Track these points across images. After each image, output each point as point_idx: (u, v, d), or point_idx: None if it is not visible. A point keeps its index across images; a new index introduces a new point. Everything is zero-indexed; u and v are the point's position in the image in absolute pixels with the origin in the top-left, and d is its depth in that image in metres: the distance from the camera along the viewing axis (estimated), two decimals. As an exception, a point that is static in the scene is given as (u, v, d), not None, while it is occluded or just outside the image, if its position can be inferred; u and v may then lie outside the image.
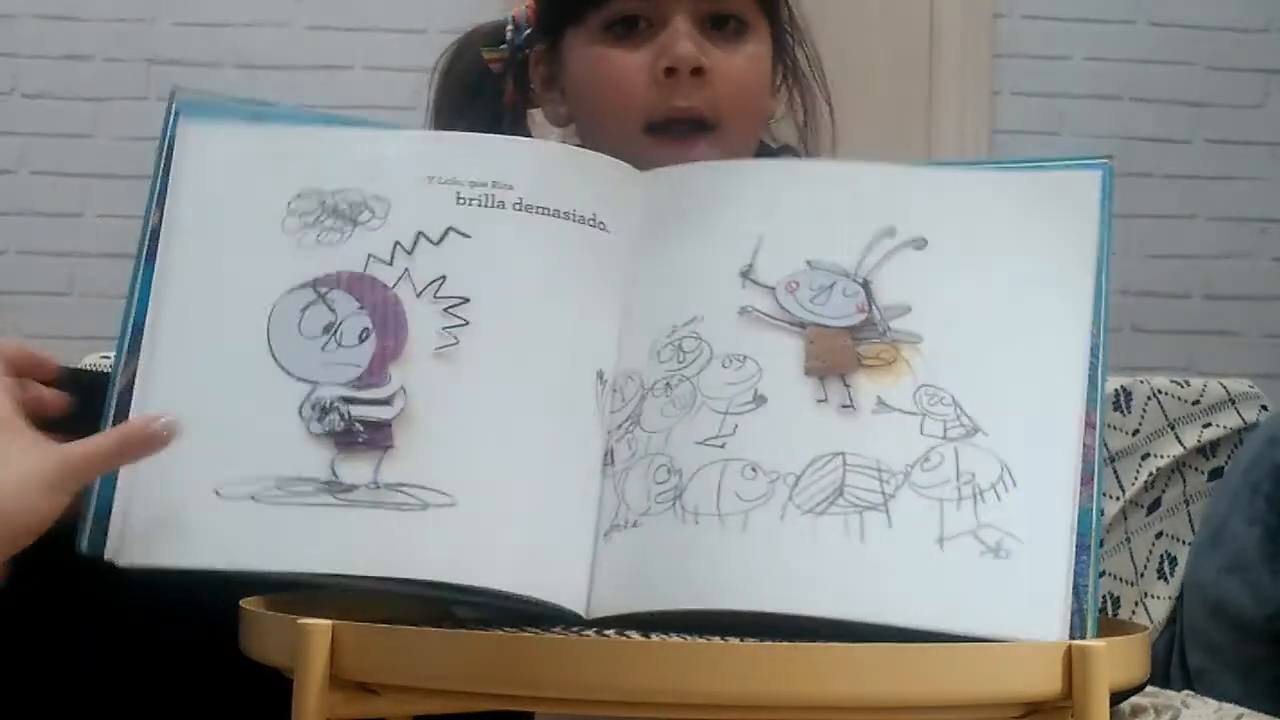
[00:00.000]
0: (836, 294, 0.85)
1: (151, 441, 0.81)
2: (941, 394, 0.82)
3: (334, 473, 0.83)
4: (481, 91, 1.24)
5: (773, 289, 0.86)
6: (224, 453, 0.84)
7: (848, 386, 0.83)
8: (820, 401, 0.82)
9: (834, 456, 0.81)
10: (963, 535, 0.79)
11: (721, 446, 0.82)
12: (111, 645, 0.96)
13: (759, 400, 0.83)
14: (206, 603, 0.81)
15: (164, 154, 0.90)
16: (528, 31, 1.21)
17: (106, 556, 0.81)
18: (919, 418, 0.82)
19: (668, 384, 0.85)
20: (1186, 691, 1.47)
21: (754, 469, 0.81)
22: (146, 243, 0.88)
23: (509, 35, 1.22)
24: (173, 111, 0.90)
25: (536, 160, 0.91)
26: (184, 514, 0.83)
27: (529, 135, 1.21)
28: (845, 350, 0.84)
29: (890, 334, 0.84)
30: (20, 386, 0.84)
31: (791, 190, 0.90)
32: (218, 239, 0.89)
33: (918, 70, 3.16)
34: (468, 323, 0.85)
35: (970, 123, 3.14)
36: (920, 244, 0.86)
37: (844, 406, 0.82)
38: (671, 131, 1.09)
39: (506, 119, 1.22)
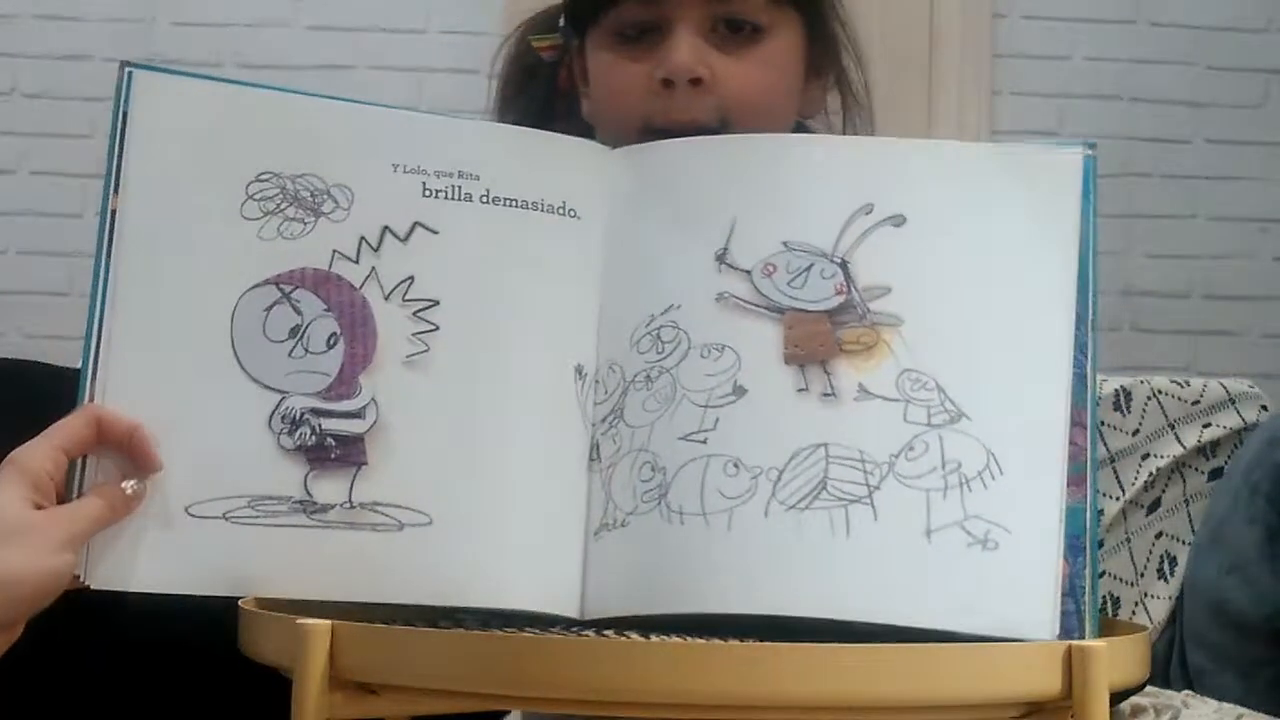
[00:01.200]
0: (814, 276, 0.83)
1: (131, 502, 0.80)
2: (924, 379, 0.80)
3: (307, 491, 0.81)
4: (536, 75, 1.23)
5: (749, 272, 0.84)
6: (193, 468, 0.81)
7: (828, 374, 0.81)
8: (801, 390, 0.81)
9: (816, 448, 0.79)
10: (950, 527, 0.77)
11: (703, 442, 0.80)
12: (111, 644, 0.96)
13: (739, 391, 0.81)
14: (206, 602, 0.81)
15: (119, 130, 0.85)
16: None
17: (79, 576, 0.80)
18: (902, 404, 0.80)
19: (648, 376, 0.83)
20: (1186, 691, 1.47)
21: (736, 464, 0.79)
22: (107, 230, 0.84)
23: (562, 23, 1.21)
24: (125, 79, 0.85)
25: (503, 147, 0.89)
26: (154, 533, 0.81)
27: (582, 120, 1.19)
28: (824, 336, 0.82)
29: (870, 317, 0.82)
30: (53, 472, 0.79)
31: (765, 167, 0.87)
32: (175, 224, 0.84)
33: (918, 70, 3.16)
34: (438, 328, 0.84)
35: (970, 123, 3.13)
36: (899, 221, 0.84)
37: (825, 395, 0.80)
38: (670, 134, 1.07)
39: (560, 104, 1.21)
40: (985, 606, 0.76)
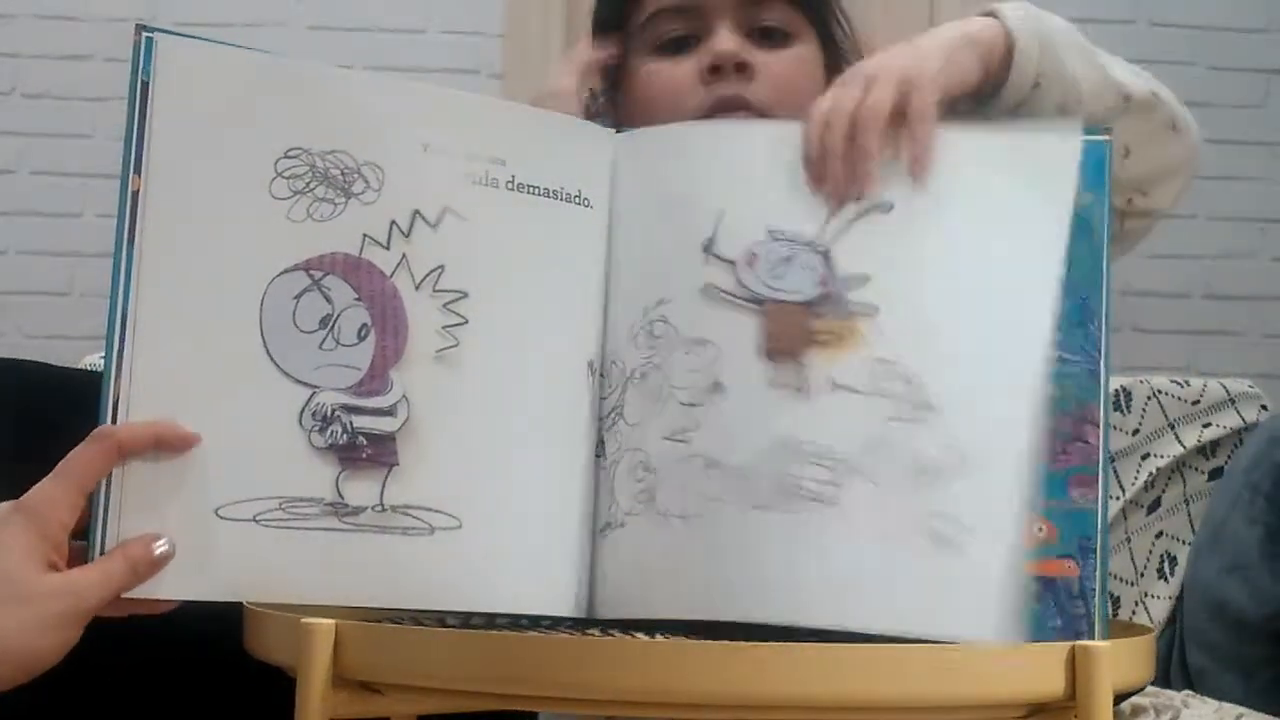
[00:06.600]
0: (795, 267, 0.82)
1: (158, 566, 0.76)
2: (894, 368, 0.79)
3: (339, 492, 0.79)
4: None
5: (733, 263, 0.83)
6: (223, 468, 0.77)
7: (802, 366, 0.80)
8: (773, 385, 0.80)
9: (785, 446, 0.78)
10: (915, 526, 0.76)
11: (686, 442, 0.80)
12: (112, 642, 0.96)
13: (717, 388, 0.80)
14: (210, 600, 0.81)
15: (139, 102, 0.79)
16: None
17: None
18: (870, 397, 0.78)
19: (643, 373, 0.83)
20: (1186, 691, 1.47)
21: (714, 464, 0.79)
22: (128, 214, 0.78)
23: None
24: (145, 46, 0.79)
25: (528, 132, 0.87)
26: (185, 539, 0.77)
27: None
28: (800, 327, 0.81)
29: (848, 306, 0.80)
30: (59, 518, 0.75)
31: (756, 154, 0.86)
32: (201, 205, 0.79)
33: (918, 70, 3.15)
34: (467, 321, 0.82)
35: (970, 123, 3.13)
36: (886, 208, 0.82)
37: (796, 390, 0.79)
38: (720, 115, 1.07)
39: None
40: (948, 609, 0.75)
